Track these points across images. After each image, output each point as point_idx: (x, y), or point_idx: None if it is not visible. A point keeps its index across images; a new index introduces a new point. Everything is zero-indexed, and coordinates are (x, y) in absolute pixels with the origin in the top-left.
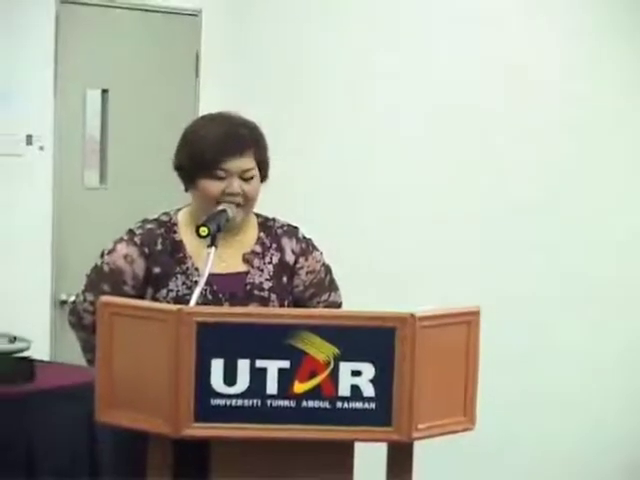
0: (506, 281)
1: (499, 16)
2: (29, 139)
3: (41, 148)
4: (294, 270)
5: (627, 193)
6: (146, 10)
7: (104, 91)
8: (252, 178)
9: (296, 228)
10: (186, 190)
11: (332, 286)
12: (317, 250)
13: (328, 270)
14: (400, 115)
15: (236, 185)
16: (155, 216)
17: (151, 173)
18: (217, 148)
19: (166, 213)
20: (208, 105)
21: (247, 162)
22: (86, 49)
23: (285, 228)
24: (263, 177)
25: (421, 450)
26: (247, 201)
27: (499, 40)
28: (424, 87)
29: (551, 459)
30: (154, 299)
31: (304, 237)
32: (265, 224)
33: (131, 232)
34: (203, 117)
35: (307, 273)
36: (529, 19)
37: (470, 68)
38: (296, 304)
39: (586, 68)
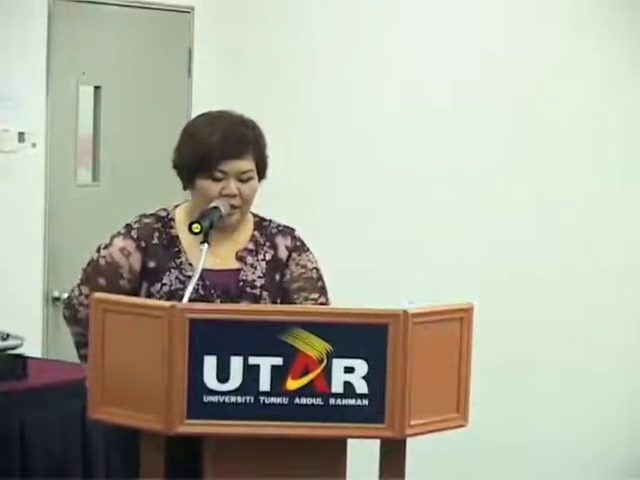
0: (503, 279)
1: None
2: (21, 136)
3: (34, 145)
4: (286, 264)
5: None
6: (139, 7)
7: (97, 88)
8: (250, 179)
9: (292, 229)
10: (184, 188)
11: (324, 291)
12: (311, 253)
13: (320, 276)
14: (394, 113)
15: (233, 186)
16: (153, 211)
17: (143, 170)
18: (216, 150)
19: (164, 209)
20: (201, 103)
21: (245, 164)
22: (79, 46)
23: (280, 228)
24: (261, 176)
25: (414, 447)
26: (244, 202)
27: (501, 38)
28: (419, 85)
29: (550, 459)
30: (148, 293)
31: (299, 238)
32: (261, 224)
33: (128, 226)
34: (203, 115)
35: (297, 265)
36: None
37: (468, 68)
38: (282, 297)
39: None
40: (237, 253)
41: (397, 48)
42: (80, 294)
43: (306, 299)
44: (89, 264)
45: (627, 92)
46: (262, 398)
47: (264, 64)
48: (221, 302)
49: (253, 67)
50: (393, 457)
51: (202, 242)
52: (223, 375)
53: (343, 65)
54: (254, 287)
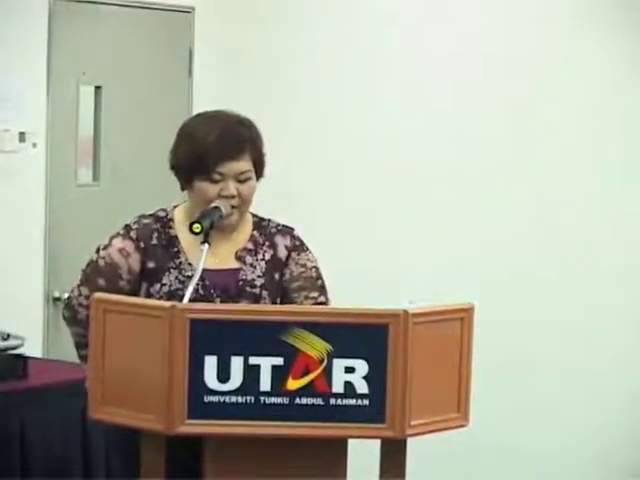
0: (503, 279)
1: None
2: (22, 136)
3: (34, 145)
4: (285, 263)
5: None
6: (139, 7)
7: (97, 88)
8: (248, 179)
9: (291, 228)
10: (182, 189)
11: (323, 290)
12: (310, 252)
13: (319, 274)
14: (394, 113)
15: (232, 188)
16: (152, 212)
17: (144, 170)
18: (213, 151)
19: (163, 209)
20: (201, 103)
21: (243, 164)
22: (79, 46)
23: (280, 227)
24: (259, 175)
25: (414, 447)
26: (242, 202)
27: (501, 38)
28: (419, 85)
29: (550, 459)
30: (148, 294)
31: (299, 237)
32: (260, 223)
33: (127, 227)
34: (199, 115)
35: (296, 264)
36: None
37: (468, 69)
38: (282, 296)
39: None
40: (236, 253)
41: (397, 48)
42: (80, 295)
43: (306, 298)
44: (88, 265)
45: (627, 92)
46: (263, 398)
47: (264, 64)
48: (221, 302)
49: (253, 67)
50: (393, 457)
51: (203, 242)
52: (224, 375)
53: (343, 65)
54: (254, 286)
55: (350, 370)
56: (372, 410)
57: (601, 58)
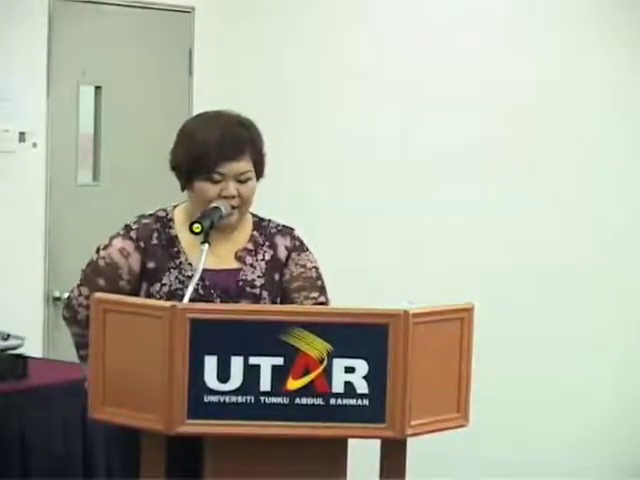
0: (504, 280)
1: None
2: (22, 136)
3: (34, 145)
4: (285, 264)
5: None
6: (139, 7)
7: (97, 88)
8: (248, 180)
9: (292, 229)
10: (182, 189)
11: (323, 290)
12: (310, 252)
13: (319, 275)
14: (395, 113)
15: (232, 188)
16: (152, 212)
17: (144, 170)
18: (214, 152)
19: (163, 209)
20: (201, 103)
21: (243, 165)
22: (79, 46)
23: (280, 228)
24: (259, 175)
25: (414, 447)
26: (243, 202)
27: (502, 38)
28: (419, 84)
29: (550, 459)
30: (148, 293)
31: (299, 237)
32: (260, 224)
33: (127, 227)
34: (200, 115)
35: (296, 265)
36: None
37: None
38: (282, 296)
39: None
40: (236, 253)
41: (399, 47)
42: (80, 295)
43: (306, 298)
44: (88, 265)
45: (627, 92)
46: (263, 398)
47: (264, 64)
48: (221, 302)
49: (253, 67)
50: (394, 457)
51: (203, 242)
52: (224, 375)
53: (344, 65)
54: (254, 287)
55: (350, 370)
56: (372, 410)
57: (601, 58)
